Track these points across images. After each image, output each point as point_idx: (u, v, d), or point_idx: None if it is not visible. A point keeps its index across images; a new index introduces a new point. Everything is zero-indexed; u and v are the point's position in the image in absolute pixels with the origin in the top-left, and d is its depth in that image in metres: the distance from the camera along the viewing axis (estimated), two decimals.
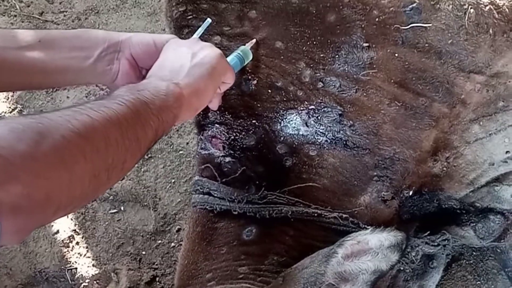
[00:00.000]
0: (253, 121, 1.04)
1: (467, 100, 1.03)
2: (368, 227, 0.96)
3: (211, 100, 0.89)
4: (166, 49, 0.85)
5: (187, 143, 1.59)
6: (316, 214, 0.98)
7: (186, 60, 0.81)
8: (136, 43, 0.89)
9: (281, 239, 1.00)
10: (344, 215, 0.98)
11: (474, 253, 1.29)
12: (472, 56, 1.01)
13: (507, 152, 1.07)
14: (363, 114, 1.01)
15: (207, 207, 1.02)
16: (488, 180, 1.09)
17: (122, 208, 1.52)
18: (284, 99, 1.02)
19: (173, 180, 1.57)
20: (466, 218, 1.09)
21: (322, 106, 1.01)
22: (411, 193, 1.03)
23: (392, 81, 0.99)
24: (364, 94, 1.00)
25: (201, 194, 1.04)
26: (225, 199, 1.01)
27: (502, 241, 1.11)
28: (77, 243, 1.47)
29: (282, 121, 1.02)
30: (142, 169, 1.57)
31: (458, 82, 1.02)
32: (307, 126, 1.02)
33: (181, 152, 1.60)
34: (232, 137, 1.04)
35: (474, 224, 1.09)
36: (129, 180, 1.52)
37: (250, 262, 0.98)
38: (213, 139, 1.05)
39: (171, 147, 1.59)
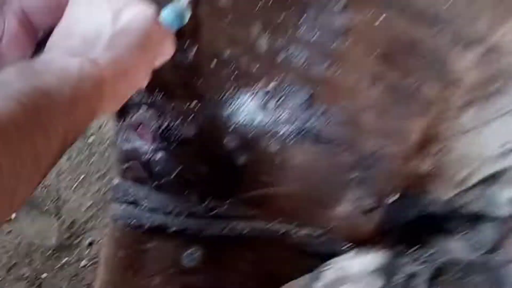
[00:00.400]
0: (193, 103, 0.91)
1: (460, 80, 0.95)
2: (345, 245, 0.91)
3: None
4: (74, 1, 0.69)
5: (100, 127, 1.42)
6: (281, 232, 0.89)
7: (106, 23, 0.66)
8: None
9: (235, 265, 0.90)
10: (317, 232, 0.90)
11: (461, 267, 1.19)
12: (470, 25, 0.93)
13: (504, 144, 1.00)
14: (338, 97, 0.91)
15: (132, 222, 0.89)
16: (481, 179, 1.02)
17: (12, 216, 1.33)
18: (234, 74, 0.91)
19: (81, 176, 1.40)
20: (454, 225, 1.03)
21: (286, 85, 0.90)
22: (395, 198, 0.96)
23: (374, 54, 0.90)
24: (339, 71, 0.90)
25: (124, 204, 0.91)
26: (158, 210, 0.88)
27: (495, 253, 1.05)
28: None
29: (231, 105, 0.90)
30: None
31: (451, 57, 0.93)
32: (265, 111, 0.90)
33: (92, 138, 1.41)
34: (165, 125, 0.91)
35: (464, 233, 1.02)
36: None
37: None
38: (140, 127, 0.92)
39: None
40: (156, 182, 0.89)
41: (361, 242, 0.88)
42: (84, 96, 0.56)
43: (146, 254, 0.89)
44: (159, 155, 0.90)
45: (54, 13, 0.70)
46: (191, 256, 0.89)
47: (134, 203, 0.90)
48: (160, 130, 0.91)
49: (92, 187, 1.38)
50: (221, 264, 0.89)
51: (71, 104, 0.54)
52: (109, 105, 0.63)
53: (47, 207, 1.35)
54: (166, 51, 0.75)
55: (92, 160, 1.41)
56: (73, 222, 1.35)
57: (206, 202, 0.87)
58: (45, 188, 1.36)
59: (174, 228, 0.87)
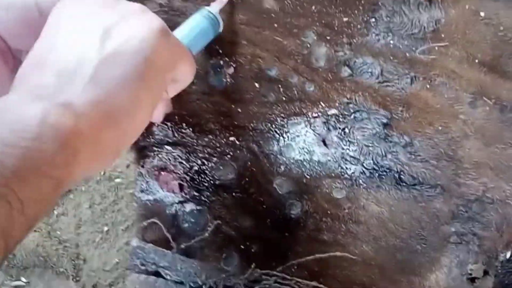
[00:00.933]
0: (231, 138, 0.79)
1: None
2: None
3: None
4: (54, 18, 0.55)
5: (128, 166, 1.31)
6: None
7: (91, 47, 0.51)
8: (3, 5, 0.61)
9: None
10: None
11: None
12: None
13: None
14: (427, 123, 0.77)
15: None
16: None
17: (24, 278, 1.20)
18: (283, 98, 0.79)
19: (105, 228, 1.27)
20: None
21: (352, 111, 0.77)
22: (508, 254, 0.80)
23: (476, 61, 0.76)
24: (427, 85, 0.77)
25: (143, 275, 0.78)
26: (186, 284, 0.75)
27: None
28: None
29: (281, 137, 0.79)
30: (55, 212, 1.28)
31: None
32: (326, 146, 0.78)
33: (117, 180, 1.29)
34: (196, 168, 0.79)
35: None
36: (35, 231, 1.25)
37: None
38: (163, 173, 0.80)
39: (101, 172, 1.32)
40: (184, 244, 0.77)
41: None
42: (41, 165, 0.43)
43: None
44: (189, 207, 0.78)
45: (35, 33, 0.57)
46: None
47: (156, 273, 0.78)
48: (189, 175, 0.79)
49: (118, 241, 1.29)
50: None
51: (19, 180, 0.42)
52: (92, 165, 0.50)
53: (64, 268, 1.27)
54: (182, 77, 0.62)
55: (118, 206, 1.31)
56: (95, 286, 1.28)
57: (250, 271, 0.75)
58: (62, 243, 1.28)
59: None
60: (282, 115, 0.80)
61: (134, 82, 0.52)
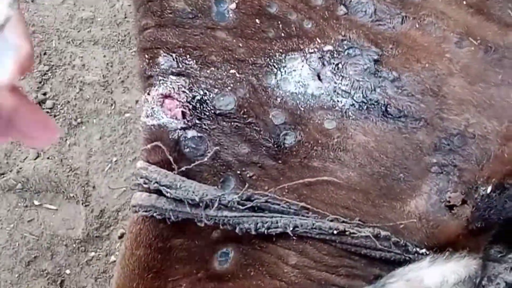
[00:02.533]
0: (232, 71, 0.82)
1: None
2: (421, 251, 0.77)
3: None
4: None
5: (137, 101, 1.35)
6: (335, 230, 0.76)
7: None
8: None
9: (276, 270, 0.79)
10: (382, 232, 0.76)
11: None
12: None
13: None
14: (414, 59, 0.80)
15: (155, 214, 0.78)
16: None
17: (35, 202, 1.24)
18: (282, 34, 0.81)
19: (114, 159, 1.30)
20: None
21: (346, 47, 0.80)
22: (489, 189, 0.81)
23: (464, 2, 0.80)
24: (417, 25, 0.80)
25: (145, 193, 0.80)
26: (185, 201, 0.77)
27: None
28: None
29: (278, 72, 0.81)
30: (67, 142, 1.31)
31: None
32: (320, 80, 0.80)
33: (127, 115, 1.33)
34: (198, 97, 0.81)
35: None
36: (48, 158, 1.26)
37: None
38: (167, 101, 0.81)
39: (112, 107, 1.34)
40: (184, 167, 0.79)
41: (441, 246, 0.77)
42: None
43: (169, 253, 0.80)
44: (190, 133, 0.80)
45: None
46: (224, 256, 0.80)
47: (157, 192, 0.80)
48: (192, 104, 0.81)
49: (126, 171, 1.32)
50: (259, 269, 0.79)
51: None
52: None
53: (74, 193, 1.30)
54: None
55: (127, 139, 1.34)
56: (102, 211, 1.30)
57: (242, 191, 0.77)
58: (73, 171, 1.31)
59: (203, 223, 0.77)
60: (281, 50, 0.81)
61: None
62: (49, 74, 1.55)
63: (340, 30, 0.79)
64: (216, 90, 0.82)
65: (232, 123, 0.82)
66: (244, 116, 0.82)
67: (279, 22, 0.80)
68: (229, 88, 0.82)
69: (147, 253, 0.78)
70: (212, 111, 0.82)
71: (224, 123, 0.82)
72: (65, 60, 1.57)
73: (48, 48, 1.59)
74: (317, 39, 0.80)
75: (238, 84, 0.82)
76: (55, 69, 1.55)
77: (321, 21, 0.79)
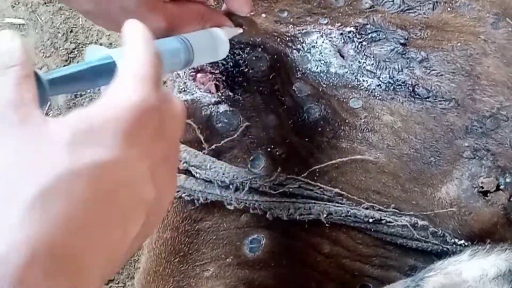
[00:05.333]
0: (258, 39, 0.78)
1: None
2: (459, 242, 0.73)
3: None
4: None
5: (165, 82, 1.27)
6: (370, 219, 0.73)
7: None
8: None
9: (308, 258, 0.76)
10: (420, 222, 0.73)
11: None
12: None
13: None
14: (445, 40, 0.77)
15: (183, 195, 0.76)
16: None
17: None
18: (307, 8, 0.81)
19: None
20: None
21: (369, 31, 0.78)
22: None
23: None
24: (449, 8, 0.78)
25: None
26: (215, 183, 0.74)
27: None
28: None
29: (301, 45, 0.78)
30: None
31: None
32: (343, 57, 0.77)
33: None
34: (231, 63, 0.76)
35: None
36: None
37: None
38: (199, 74, 0.78)
39: None
40: (214, 145, 0.76)
41: (478, 237, 0.74)
42: None
43: (197, 236, 0.77)
44: (222, 108, 0.76)
45: None
46: (255, 243, 0.76)
47: (186, 172, 0.77)
48: (224, 74, 0.77)
49: None
50: (291, 257, 0.76)
51: None
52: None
53: None
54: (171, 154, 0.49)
55: None
56: None
57: (275, 175, 0.73)
58: None
59: (233, 207, 0.75)
60: (299, 22, 0.79)
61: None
62: (76, 52, 1.56)
63: (362, 16, 0.77)
64: (248, 49, 0.76)
65: (262, 89, 0.78)
66: (272, 81, 0.78)
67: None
68: (261, 49, 0.77)
69: (174, 236, 0.77)
70: (244, 76, 0.77)
71: (255, 90, 0.77)
72: (91, 38, 1.56)
73: (75, 25, 1.59)
74: (343, 16, 0.79)
75: (268, 46, 0.78)
76: (82, 47, 1.56)
77: (341, 16, 0.78)
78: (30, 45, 1.51)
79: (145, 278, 0.77)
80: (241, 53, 0.77)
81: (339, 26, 0.77)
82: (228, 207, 0.75)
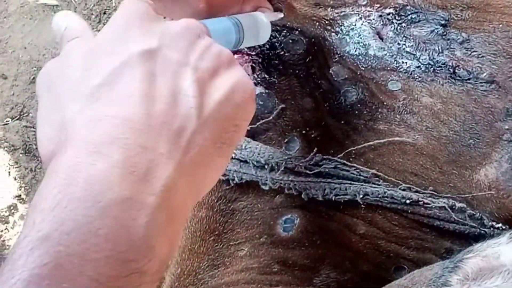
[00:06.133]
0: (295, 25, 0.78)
1: None
2: (497, 225, 0.71)
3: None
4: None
5: None
6: (407, 201, 0.72)
7: (192, 112, 0.48)
8: None
9: (343, 239, 0.75)
10: (457, 204, 0.71)
11: None
12: None
13: None
14: (487, 21, 0.75)
15: None
16: None
17: None
18: None
19: None
20: None
21: (409, 12, 0.76)
22: None
23: None
24: None
25: None
26: (250, 163, 0.74)
27: None
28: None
29: (339, 28, 0.78)
30: None
31: None
32: (382, 40, 0.77)
33: None
34: (267, 46, 0.76)
35: None
36: None
37: (288, 279, 0.74)
38: (236, 56, 0.76)
39: None
40: (250, 127, 0.75)
41: None
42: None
43: (232, 216, 0.76)
44: (258, 89, 0.76)
45: None
46: (289, 223, 0.75)
47: None
48: (261, 56, 0.77)
49: None
50: (326, 237, 0.75)
51: None
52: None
53: None
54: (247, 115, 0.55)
55: None
56: None
57: (311, 155, 0.73)
58: None
59: (268, 187, 0.74)
60: (341, 5, 0.78)
61: (222, 148, 0.49)
62: None
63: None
64: (284, 32, 0.76)
65: (298, 72, 0.77)
66: (309, 64, 0.77)
67: None
68: (298, 31, 0.77)
69: (209, 215, 0.76)
70: (281, 59, 0.77)
71: (291, 73, 0.77)
72: None
73: (108, 7, 1.59)
74: (376, 5, 0.77)
75: (306, 29, 0.77)
76: None
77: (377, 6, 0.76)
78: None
79: (180, 256, 0.77)
80: (277, 35, 0.77)
81: (378, 7, 0.76)
82: (263, 187, 0.74)
